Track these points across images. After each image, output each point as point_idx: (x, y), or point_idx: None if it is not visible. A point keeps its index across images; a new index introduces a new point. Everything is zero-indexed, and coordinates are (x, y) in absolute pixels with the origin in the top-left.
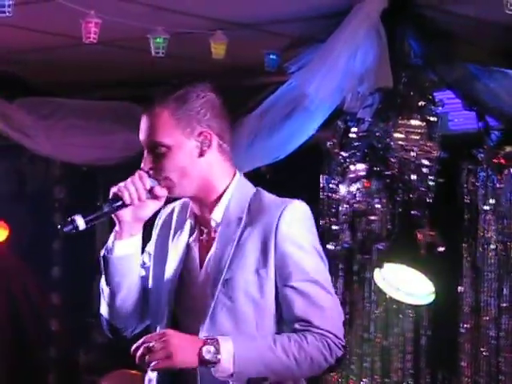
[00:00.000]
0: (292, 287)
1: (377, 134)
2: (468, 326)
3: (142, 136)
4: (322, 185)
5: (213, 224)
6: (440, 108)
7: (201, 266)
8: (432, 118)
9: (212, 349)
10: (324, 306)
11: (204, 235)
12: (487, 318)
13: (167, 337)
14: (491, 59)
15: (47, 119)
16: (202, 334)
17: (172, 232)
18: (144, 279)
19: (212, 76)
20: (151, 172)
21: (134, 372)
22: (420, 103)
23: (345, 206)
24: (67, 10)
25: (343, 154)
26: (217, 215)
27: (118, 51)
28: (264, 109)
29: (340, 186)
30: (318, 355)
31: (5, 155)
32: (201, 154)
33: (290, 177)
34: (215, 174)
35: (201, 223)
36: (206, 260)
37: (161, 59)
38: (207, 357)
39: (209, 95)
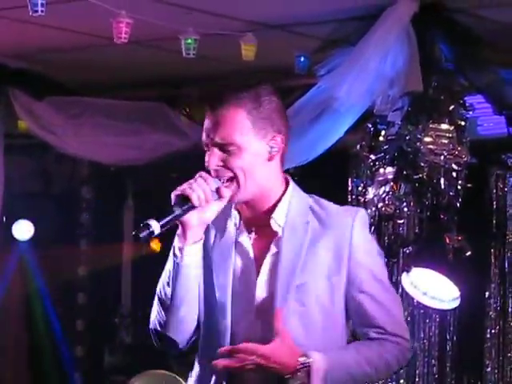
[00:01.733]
0: (366, 294)
1: (406, 137)
2: (494, 331)
3: (209, 133)
4: (350, 187)
5: (274, 227)
6: (470, 112)
7: (257, 267)
8: (462, 123)
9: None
10: (395, 312)
11: (255, 235)
12: None
13: (269, 359)
14: None
15: (76, 118)
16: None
17: (212, 237)
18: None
19: (241, 78)
20: (213, 171)
21: (164, 372)
22: (450, 107)
23: (372, 209)
24: (98, 9)
25: (372, 156)
26: (279, 218)
27: (149, 51)
28: (294, 111)
29: (368, 188)
30: (394, 361)
31: (31, 154)
32: (270, 158)
33: (318, 179)
34: (274, 180)
35: (249, 225)
36: (270, 263)
37: (191, 60)
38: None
39: (277, 99)
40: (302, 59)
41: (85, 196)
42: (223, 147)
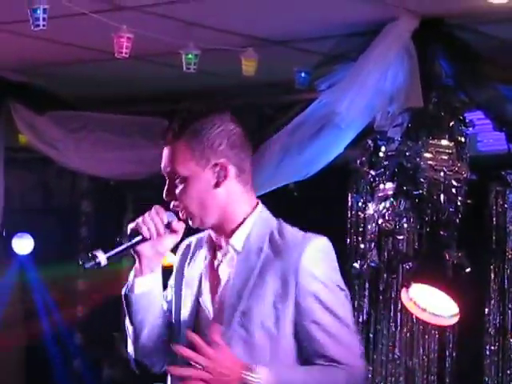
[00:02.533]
0: (315, 323)
1: (406, 153)
2: (494, 347)
3: (162, 167)
4: (349, 203)
5: (231, 251)
6: (470, 129)
7: (214, 293)
8: (462, 139)
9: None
10: (347, 343)
11: (217, 261)
12: None
13: (215, 362)
14: None
15: (76, 133)
16: None
17: (187, 265)
18: (169, 313)
19: (241, 93)
20: (174, 202)
21: None
22: (450, 123)
23: (372, 224)
24: (100, 24)
25: (372, 172)
26: (237, 243)
27: (150, 66)
28: (294, 126)
29: (368, 204)
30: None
31: (32, 168)
32: (217, 185)
33: (318, 194)
34: (234, 204)
35: (216, 249)
36: (221, 288)
37: (192, 75)
38: None
39: (226, 125)
40: (303, 74)
41: (85, 210)
42: (172, 179)
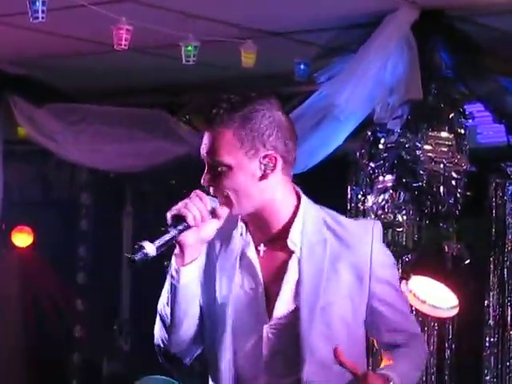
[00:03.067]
0: (387, 304)
1: (406, 145)
2: (493, 339)
3: (203, 152)
4: (349, 195)
5: (291, 246)
6: (470, 121)
7: (267, 286)
8: (461, 131)
9: None
10: (409, 314)
11: (263, 250)
12: None
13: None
14: None
15: (75, 125)
16: (305, 366)
17: (217, 246)
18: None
19: (241, 85)
20: (213, 189)
21: (164, 378)
22: (450, 115)
23: (372, 216)
24: (99, 16)
25: (372, 164)
26: (295, 237)
27: (149, 58)
28: (293, 118)
29: (367, 196)
30: (424, 356)
31: (31, 161)
32: (263, 177)
33: (317, 186)
34: (279, 196)
35: (257, 239)
36: (287, 283)
37: (191, 67)
38: None
39: (275, 114)
40: (302, 66)
41: (84, 202)
42: (215, 167)
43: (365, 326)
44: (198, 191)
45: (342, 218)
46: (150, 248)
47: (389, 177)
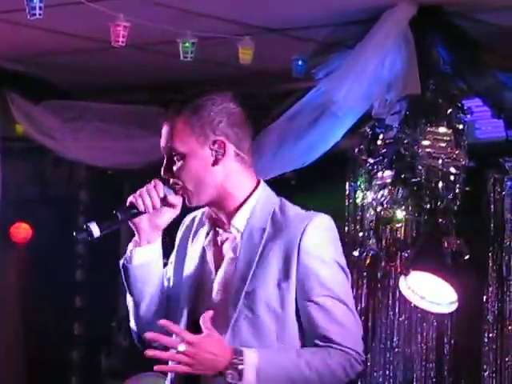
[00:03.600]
0: (313, 302)
1: (404, 141)
2: (492, 335)
3: (161, 144)
4: (347, 191)
5: (234, 232)
6: (468, 116)
7: (216, 271)
8: (460, 126)
9: (235, 374)
10: (345, 323)
11: (220, 238)
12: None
13: (197, 347)
14: None
15: (73, 122)
16: None
17: (190, 239)
18: (167, 289)
19: (238, 81)
20: (171, 180)
21: (156, 375)
22: (448, 111)
23: (371, 212)
24: (96, 13)
25: (370, 160)
26: (239, 223)
27: (146, 55)
28: (291, 114)
29: (366, 192)
30: (340, 371)
31: (28, 158)
32: (215, 163)
33: (315, 183)
34: (233, 183)
35: (217, 227)
36: (225, 267)
37: (189, 63)
38: (229, 378)
39: (227, 103)
40: (300, 62)
41: (82, 199)
42: (171, 156)
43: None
44: (156, 180)
45: (293, 209)
46: (95, 229)
47: (387, 172)
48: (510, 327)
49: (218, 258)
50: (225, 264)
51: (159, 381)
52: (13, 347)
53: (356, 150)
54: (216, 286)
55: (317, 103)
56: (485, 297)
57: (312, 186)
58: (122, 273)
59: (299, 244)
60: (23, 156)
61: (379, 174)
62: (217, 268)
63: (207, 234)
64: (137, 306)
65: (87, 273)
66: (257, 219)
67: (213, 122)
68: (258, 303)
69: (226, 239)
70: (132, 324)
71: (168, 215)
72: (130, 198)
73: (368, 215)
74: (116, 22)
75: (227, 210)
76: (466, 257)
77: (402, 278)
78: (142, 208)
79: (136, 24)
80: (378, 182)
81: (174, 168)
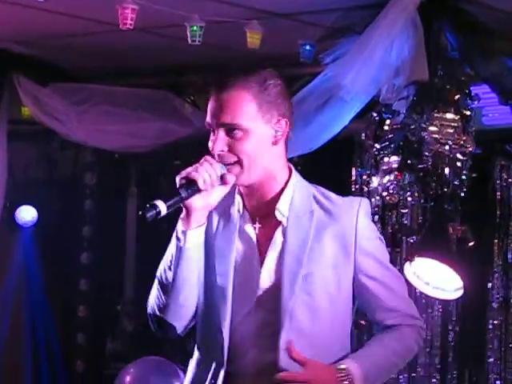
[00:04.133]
0: (375, 280)
1: (411, 126)
2: (497, 321)
3: (214, 116)
4: (354, 177)
5: (278, 216)
6: (476, 102)
7: (261, 256)
8: (467, 112)
9: None
10: (403, 294)
11: (258, 225)
12: None
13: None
14: None
15: (80, 105)
16: (282, 333)
17: (214, 223)
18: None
19: (246, 66)
20: (217, 155)
21: (160, 358)
22: (455, 97)
23: (377, 198)
24: None
25: (377, 145)
26: (283, 207)
27: (154, 38)
28: (298, 99)
29: (372, 178)
30: (415, 344)
31: (35, 141)
32: (275, 142)
33: (322, 168)
34: (278, 166)
35: (253, 213)
36: (273, 253)
37: (196, 47)
38: None
39: (281, 83)
40: (308, 47)
41: (88, 182)
42: (229, 131)
43: (357, 301)
44: (207, 157)
45: (331, 193)
46: (162, 206)
47: (394, 158)
48: None
49: (262, 243)
50: (273, 249)
51: (163, 363)
52: (16, 328)
53: (363, 135)
54: (264, 271)
55: (324, 88)
56: (490, 283)
57: (319, 170)
58: (175, 255)
59: (356, 228)
60: (30, 138)
61: (385, 160)
62: (261, 253)
63: (240, 217)
64: (177, 290)
65: (93, 256)
66: (301, 202)
67: (277, 100)
68: (316, 286)
69: (270, 224)
70: (158, 309)
71: (219, 192)
72: (184, 175)
73: (374, 200)
74: (124, 4)
75: (269, 194)
76: (472, 243)
77: (407, 264)
78: (202, 186)
79: (144, 7)
80: (384, 168)
81: (231, 143)
